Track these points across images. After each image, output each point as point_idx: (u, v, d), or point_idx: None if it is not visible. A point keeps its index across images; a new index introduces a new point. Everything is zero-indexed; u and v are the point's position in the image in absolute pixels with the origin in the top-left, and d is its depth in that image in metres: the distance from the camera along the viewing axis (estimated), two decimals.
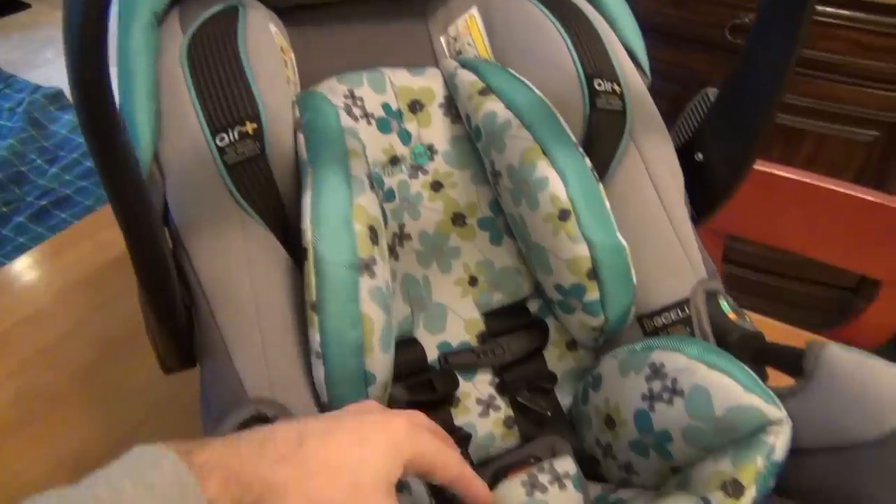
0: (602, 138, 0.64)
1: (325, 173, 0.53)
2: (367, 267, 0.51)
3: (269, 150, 0.54)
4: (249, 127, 0.53)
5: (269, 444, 0.33)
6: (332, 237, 0.49)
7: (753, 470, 0.51)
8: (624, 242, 0.59)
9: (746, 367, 0.55)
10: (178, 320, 0.51)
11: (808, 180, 0.96)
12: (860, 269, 1.05)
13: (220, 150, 0.52)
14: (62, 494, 0.27)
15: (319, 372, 0.52)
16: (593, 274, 0.58)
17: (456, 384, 0.63)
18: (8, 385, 0.80)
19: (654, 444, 0.59)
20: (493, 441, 0.65)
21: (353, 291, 0.50)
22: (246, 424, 0.48)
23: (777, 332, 0.92)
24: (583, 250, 0.58)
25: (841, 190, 0.95)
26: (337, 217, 0.50)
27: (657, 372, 0.57)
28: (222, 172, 0.53)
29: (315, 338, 0.50)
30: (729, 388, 0.52)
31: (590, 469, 0.66)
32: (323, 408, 0.52)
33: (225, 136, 0.53)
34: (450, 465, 0.40)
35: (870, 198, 0.93)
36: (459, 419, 0.64)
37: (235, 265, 0.51)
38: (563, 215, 0.58)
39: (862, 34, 1.37)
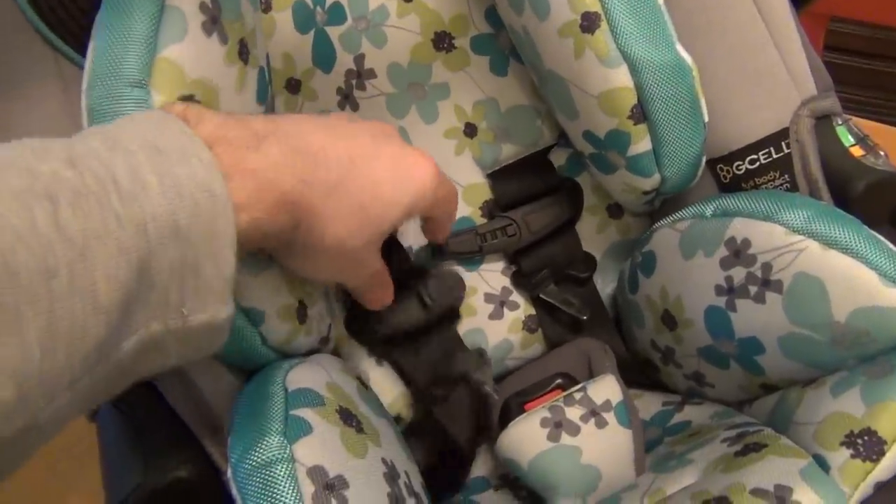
0: None
1: (117, 3, 0.35)
2: None
3: None
4: None
5: (321, 167, 0.33)
6: (110, 117, 0.33)
7: None
8: (688, 58, 0.44)
9: (886, 241, 0.40)
10: None
11: None
12: None
13: None
14: (69, 148, 0.25)
15: None
16: (640, 114, 0.44)
17: (461, 286, 0.51)
18: None
19: (736, 355, 0.44)
20: (509, 351, 0.54)
21: None
22: None
23: None
24: (622, 77, 0.43)
25: None
26: (117, 81, 0.34)
27: (739, 253, 0.43)
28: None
29: None
30: (857, 277, 0.38)
31: (645, 375, 0.53)
32: None
33: None
34: (450, 221, 0.44)
35: None
36: (463, 323, 0.53)
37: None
38: (589, 22, 0.42)
39: None
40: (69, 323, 0.23)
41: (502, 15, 0.49)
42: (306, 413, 0.35)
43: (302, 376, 0.38)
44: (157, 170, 0.25)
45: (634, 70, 0.42)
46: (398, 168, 0.36)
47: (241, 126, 0.30)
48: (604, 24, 0.41)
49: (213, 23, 0.37)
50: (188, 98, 0.35)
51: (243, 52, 0.40)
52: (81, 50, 0.39)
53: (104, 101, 0.34)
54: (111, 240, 0.23)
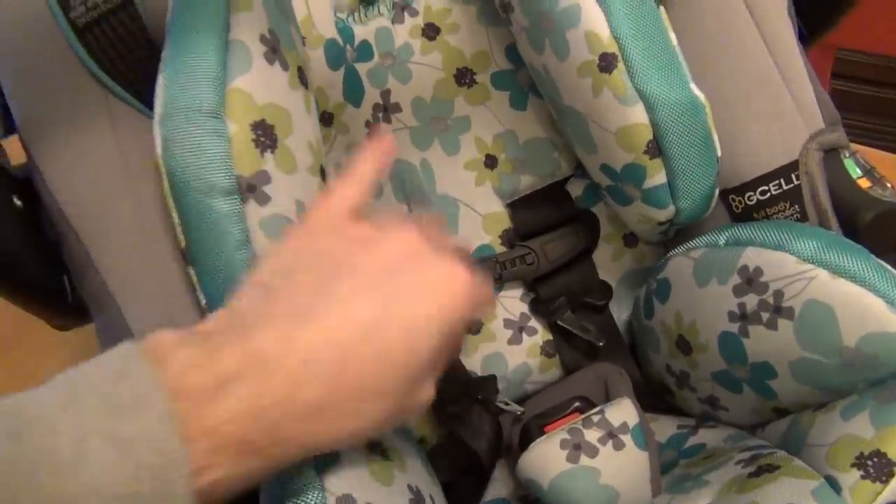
0: None
1: (185, 39, 0.37)
2: (252, 189, 0.37)
3: None
4: None
5: (300, 391, 0.27)
6: (188, 146, 0.36)
7: None
8: (701, 96, 0.45)
9: (893, 270, 0.41)
10: (30, 272, 0.43)
11: None
12: None
13: (64, 5, 0.40)
14: (20, 414, 0.23)
15: None
16: (655, 149, 0.45)
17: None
18: None
19: (748, 379, 0.45)
20: (528, 375, 0.55)
21: (234, 231, 0.36)
22: None
23: None
24: (638, 114, 0.44)
25: None
26: (193, 113, 0.36)
27: (752, 281, 0.44)
28: (71, 39, 0.40)
29: (201, 299, 0.39)
30: (865, 305, 0.39)
31: (661, 400, 0.54)
32: None
33: None
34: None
35: None
36: (483, 348, 0.54)
37: (106, 174, 0.41)
38: (607, 63, 0.43)
39: None
40: None
41: (523, 53, 0.50)
42: None
43: None
44: (107, 430, 0.23)
45: (650, 108, 0.43)
46: (418, 306, 0.30)
47: (207, 367, 0.26)
48: (621, 65, 0.42)
49: (274, 52, 0.39)
50: (260, 123, 0.37)
51: (302, 78, 0.42)
52: (130, 88, 0.41)
53: (180, 131, 0.36)
54: None
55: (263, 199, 0.37)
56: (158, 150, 0.36)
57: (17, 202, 0.42)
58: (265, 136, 0.37)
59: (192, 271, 0.38)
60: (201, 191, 0.36)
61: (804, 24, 0.52)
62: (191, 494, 0.24)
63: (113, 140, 0.41)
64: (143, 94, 0.41)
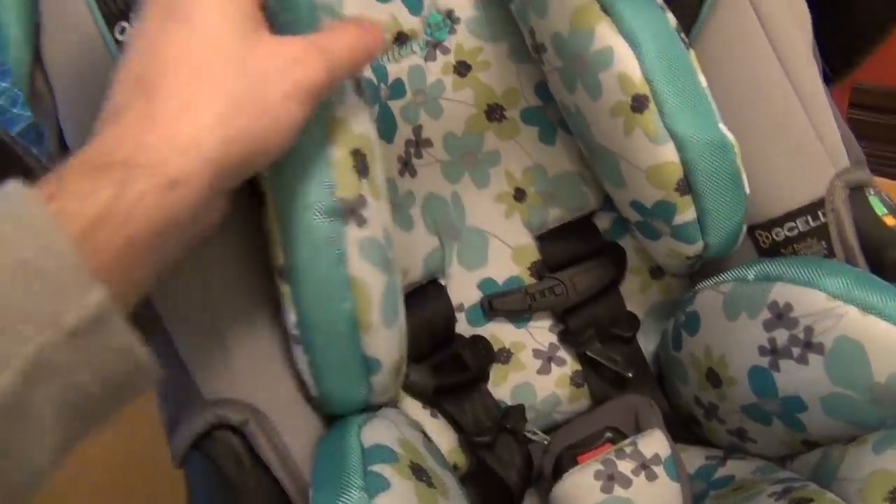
0: None
1: None
2: (353, 212, 0.39)
3: None
4: None
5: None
6: (298, 172, 0.37)
7: None
8: (730, 135, 0.46)
9: None
10: None
11: None
12: None
13: (114, 31, 0.41)
14: None
15: (302, 360, 0.41)
16: (685, 186, 0.45)
17: (490, 355, 0.54)
18: None
19: (778, 413, 0.46)
20: (557, 405, 0.55)
21: (337, 248, 0.38)
22: (205, 435, 0.40)
23: None
24: (669, 153, 0.44)
25: None
26: (304, 142, 0.37)
27: (782, 316, 0.44)
28: None
29: (290, 316, 0.40)
30: (895, 342, 0.40)
31: (688, 431, 0.54)
32: (313, 402, 0.43)
33: (126, 24, 0.40)
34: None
35: None
36: (512, 378, 0.54)
37: None
38: (639, 104, 0.44)
39: None
40: None
41: (554, 92, 0.51)
42: (383, 469, 0.36)
43: (375, 432, 0.40)
44: None
45: (681, 147, 0.44)
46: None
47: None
48: (652, 105, 0.43)
49: (359, 86, 0.41)
50: (357, 151, 0.39)
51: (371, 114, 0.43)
52: None
53: (291, 156, 0.36)
54: None
55: (361, 222, 0.39)
56: (265, 172, 0.38)
57: None
58: (361, 163, 0.39)
59: (286, 288, 0.39)
60: (309, 210, 0.37)
61: (828, 65, 0.53)
62: (77, 254, 0.25)
63: None
64: None
